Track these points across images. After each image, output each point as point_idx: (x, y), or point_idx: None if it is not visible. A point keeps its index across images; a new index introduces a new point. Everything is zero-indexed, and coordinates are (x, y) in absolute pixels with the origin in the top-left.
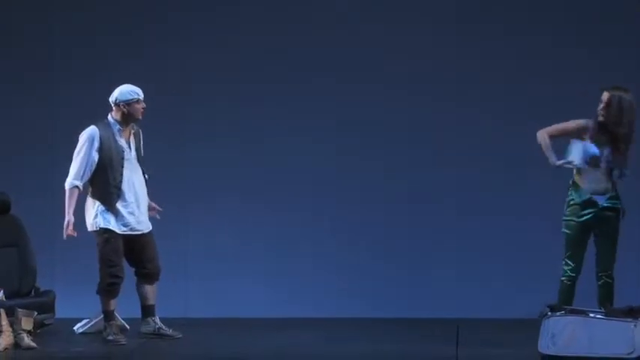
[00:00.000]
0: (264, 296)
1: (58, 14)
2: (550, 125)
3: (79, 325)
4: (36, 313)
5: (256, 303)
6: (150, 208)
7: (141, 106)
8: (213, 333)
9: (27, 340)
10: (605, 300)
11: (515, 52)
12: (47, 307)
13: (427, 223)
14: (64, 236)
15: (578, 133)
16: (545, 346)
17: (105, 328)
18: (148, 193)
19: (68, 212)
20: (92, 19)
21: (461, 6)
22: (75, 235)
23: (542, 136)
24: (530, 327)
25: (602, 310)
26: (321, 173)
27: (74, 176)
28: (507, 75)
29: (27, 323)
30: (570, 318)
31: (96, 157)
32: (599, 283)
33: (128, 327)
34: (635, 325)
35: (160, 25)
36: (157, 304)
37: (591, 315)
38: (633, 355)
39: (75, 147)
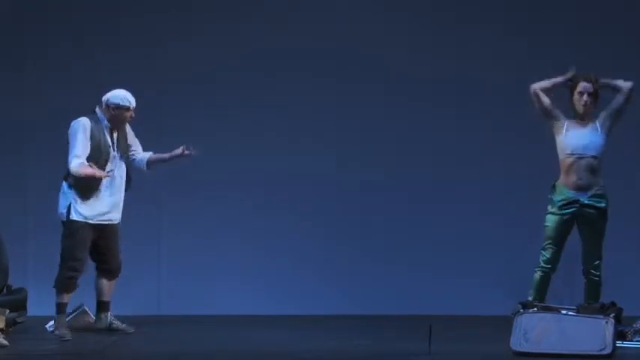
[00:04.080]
0: (237, 294)
1: (31, 15)
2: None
3: (51, 323)
4: (8, 311)
5: (229, 300)
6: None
7: (129, 114)
8: (185, 330)
9: None
10: (590, 297)
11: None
12: (19, 305)
13: (402, 221)
14: (103, 176)
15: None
16: (517, 343)
17: (54, 320)
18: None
19: (98, 173)
20: (67, 18)
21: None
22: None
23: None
24: (503, 324)
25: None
26: (296, 169)
27: (79, 154)
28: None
29: None
30: (542, 315)
31: (88, 143)
32: (585, 280)
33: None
34: (606, 322)
35: (143, 23)
36: (130, 302)
37: (563, 312)
38: (605, 352)
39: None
